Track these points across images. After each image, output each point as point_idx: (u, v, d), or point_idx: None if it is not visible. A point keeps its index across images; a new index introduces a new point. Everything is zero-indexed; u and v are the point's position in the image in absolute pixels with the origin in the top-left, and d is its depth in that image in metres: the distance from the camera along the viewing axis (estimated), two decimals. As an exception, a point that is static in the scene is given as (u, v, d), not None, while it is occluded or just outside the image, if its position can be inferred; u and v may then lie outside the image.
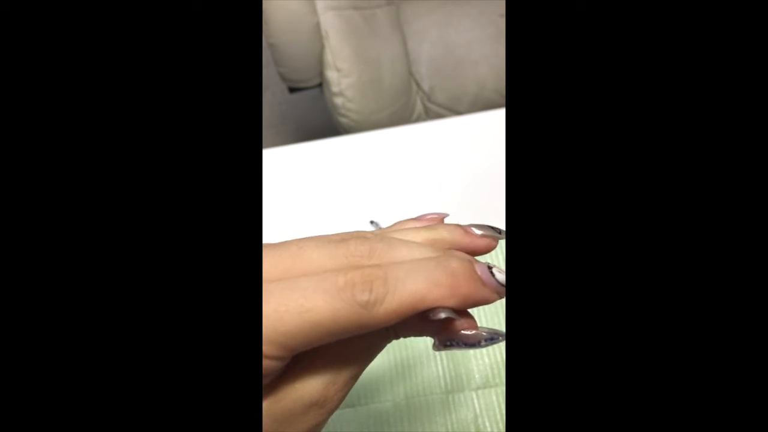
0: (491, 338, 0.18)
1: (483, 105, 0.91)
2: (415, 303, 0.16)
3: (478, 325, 0.18)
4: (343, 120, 0.90)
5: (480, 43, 0.91)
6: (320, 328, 0.16)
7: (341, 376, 0.18)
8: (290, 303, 0.16)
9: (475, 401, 0.39)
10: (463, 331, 0.18)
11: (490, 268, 0.18)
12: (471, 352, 0.40)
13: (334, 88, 0.87)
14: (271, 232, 0.48)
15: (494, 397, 0.39)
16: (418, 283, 0.16)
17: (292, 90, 0.95)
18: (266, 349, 0.16)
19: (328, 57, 0.85)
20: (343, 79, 0.86)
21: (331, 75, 0.86)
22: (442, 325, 0.18)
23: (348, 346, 0.18)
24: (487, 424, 0.38)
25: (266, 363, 0.16)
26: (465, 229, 0.20)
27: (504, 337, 0.19)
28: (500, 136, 0.51)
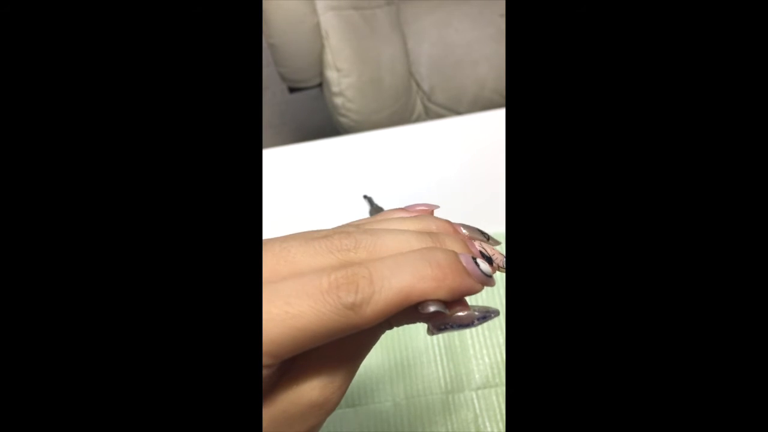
0: (484, 316, 0.18)
1: (483, 105, 0.92)
2: (402, 299, 0.16)
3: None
4: (343, 120, 0.90)
5: (480, 43, 0.91)
6: (307, 333, 0.15)
7: (338, 375, 0.17)
8: (274, 310, 0.15)
9: (475, 401, 0.39)
10: (455, 314, 0.18)
11: (474, 258, 0.18)
12: (471, 351, 0.40)
13: (334, 88, 0.87)
14: (271, 233, 0.48)
15: (494, 397, 0.39)
16: (404, 278, 0.16)
17: (292, 90, 0.95)
18: None
19: (328, 57, 0.85)
20: (343, 79, 0.86)
21: (331, 75, 0.86)
22: (434, 312, 0.18)
23: (342, 344, 0.18)
24: (487, 424, 0.38)
25: None
26: (453, 226, 0.20)
27: (497, 313, 0.18)
28: (500, 136, 0.51)
